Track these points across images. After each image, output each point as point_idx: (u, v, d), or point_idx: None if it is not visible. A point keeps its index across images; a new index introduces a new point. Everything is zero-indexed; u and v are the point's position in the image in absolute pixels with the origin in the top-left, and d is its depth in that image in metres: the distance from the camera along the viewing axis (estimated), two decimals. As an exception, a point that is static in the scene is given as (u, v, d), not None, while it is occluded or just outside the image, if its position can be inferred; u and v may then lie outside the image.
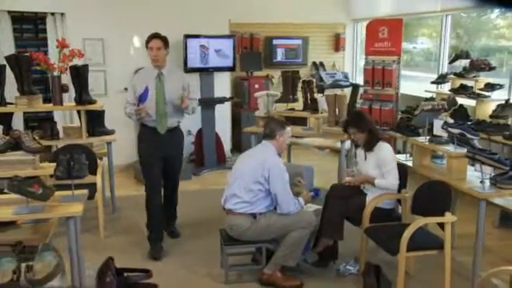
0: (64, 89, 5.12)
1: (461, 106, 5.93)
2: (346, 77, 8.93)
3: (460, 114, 5.73)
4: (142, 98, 4.22)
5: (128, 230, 4.94)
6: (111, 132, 5.34)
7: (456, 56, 6.40)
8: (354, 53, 9.30)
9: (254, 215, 3.72)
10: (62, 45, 4.87)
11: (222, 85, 7.52)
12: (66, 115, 6.68)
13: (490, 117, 5.65)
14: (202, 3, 7.15)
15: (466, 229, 4.40)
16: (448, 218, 3.39)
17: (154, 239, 4.39)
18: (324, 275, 3.99)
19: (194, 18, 7.03)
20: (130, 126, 6.91)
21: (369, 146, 4.04)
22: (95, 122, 5.21)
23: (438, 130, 3.90)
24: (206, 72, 7.00)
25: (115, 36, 6.77)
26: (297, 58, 8.79)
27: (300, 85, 5.64)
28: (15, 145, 3.06)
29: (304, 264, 4.05)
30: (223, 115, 7.61)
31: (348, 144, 5.47)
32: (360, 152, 4.22)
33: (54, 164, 3.25)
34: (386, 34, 6.79)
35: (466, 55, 6.34)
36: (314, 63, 9.04)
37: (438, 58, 7.11)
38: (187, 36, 6.73)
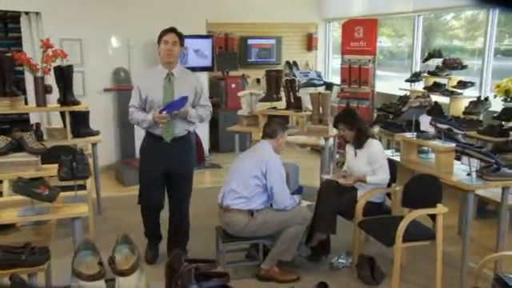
0: (48, 90, 5.04)
1: (436, 103, 6.16)
2: (319, 76, 9.14)
3: (436, 110, 5.96)
4: (172, 107, 3.63)
5: (117, 231, 4.82)
6: (96, 133, 5.30)
7: (429, 55, 6.65)
8: (326, 52, 9.49)
9: (251, 212, 3.80)
10: (47, 45, 4.80)
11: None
12: (43, 116, 6.56)
13: (464, 113, 5.91)
14: (179, 3, 7.16)
15: (447, 220, 4.59)
16: (440, 209, 3.56)
17: (150, 244, 4.31)
18: (318, 269, 4.10)
19: (171, 18, 6.92)
20: (109, 126, 6.87)
21: (359, 144, 4.18)
22: (80, 123, 5.15)
23: (424, 125, 4.07)
24: (185, 72, 7.01)
25: (93, 36, 6.69)
26: (271, 58, 8.90)
27: (283, 84, 5.73)
28: (17, 146, 3.03)
29: (298, 258, 4.14)
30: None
31: (331, 141, 5.61)
32: (349, 149, 4.35)
33: (55, 165, 3.24)
34: (362, 34, 6.98)
35: (439, 54, 6.59)
36: (288, 62, 9.17)
37: (410, 57, 7.34)
38: (166, 36, 6.71)
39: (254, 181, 3.78)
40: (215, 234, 4.10)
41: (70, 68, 5.03)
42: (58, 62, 5.13)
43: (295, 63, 9.22)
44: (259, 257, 3.95)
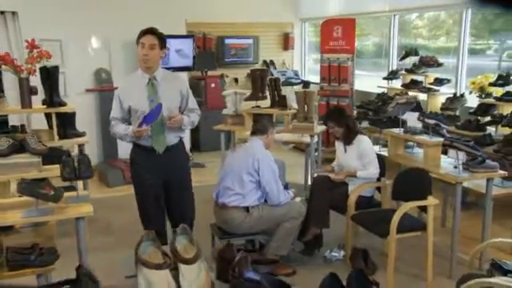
0: (33, 91, 4.98)
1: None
2: (296, 74, 9.29)
3: (415, 107, 6.15)
4: (150, 118, 3.34)
5: (107, 232, 4.93)
6: (82, 134, 5.25)
7: (406, 53, 6.85)
8: (302, 51, 9.63)
9: (247, 208, 3.87)
10: (33, 46, 4.74)
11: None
12: (23, 118, 6.46)
13: (441, 109, 6.12)
14: (159, 3, 7.16)
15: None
16: (431, 201, 3.71)
17: None
18: (313, 262, 4.20)
19: (151, 18, 6.90)
20: (91, 127, 6.81)
21: (348, 140, 4.32)
22: (66, 125, 5.10)
23: (411, 121, 4.23)
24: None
25: (74, 37, 6.62)
26: (248, 57, 8.98)
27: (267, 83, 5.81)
28: (20, 147, 3.01)
29: (293, 253, 4.23)
30: (182, 115, 7.64)
31: (316, 139, 5.73)
32: (339, 146, 4.47)
33: (56, 166, 3.25)
34: (340, 33, 7.13)
35: (415, 52, 6.80)
36: (265, 62, 9.27)
37: (387, 56, 7.54)
38: (148, 36, 6.71)
39: (247, 177, 3.86)
40: (210, 231, 4.15)
41: (56, 69, 4.98)
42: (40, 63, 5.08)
43: (272, 62, 9.33)
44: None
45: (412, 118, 4.22)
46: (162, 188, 3.58)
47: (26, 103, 4.89)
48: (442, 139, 3.96)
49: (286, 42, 9.36)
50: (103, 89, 6.75)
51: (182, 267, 1.43)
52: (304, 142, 5.94)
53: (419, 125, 4.18)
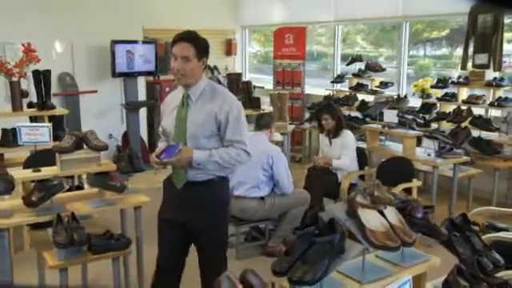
0: (24, 94, 5.02)
1: (363, 100, 7.15)
2: (240, 79, 9.77)
3: (363, 107, 6.93)
4: (168, 152, 2.61)
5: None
6: (71, 136, 5.36)
7: (352, 59, 7.62)
8: (243, 57, 10.14)
9: (262, 198, 4.32)
10: (29, 49, 4.81)
11: (139, 89, 7.74)
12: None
13: (388, 109, 6.94)
14: (117, 9, 7.30)
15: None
16: (415, 183, 4.41)
17: None
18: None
19: (110, 23, 7.14)
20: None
21: (336, 133, 4.91)
22: (57, 127, 5.19)
23: (388, 117, 4.91)
24: (131, 76, 7.20)
25: (37, 40, 6.56)
26: (194, 62, 9.30)
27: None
28: (80, 143, 3.21)
29: (292, 235, 4.72)
30: (140, 118, 7.83)
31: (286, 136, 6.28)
32: (324, 139, 5.06)
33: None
34: (292, 40, 7.76)
35: (360, 58, 7.60)
36: (209, 67, 9.64)
37: (333, 61, 8.27)
38: (115, 41, 6.87)
39: (261, 172, 4.30)
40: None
41: (48, 72, 5.08)
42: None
43: (216, 67, 9.71)
44: (265, 237, 4.48)
45: (389, 115, 4.90)
46: (180, 229, 2.79)
47: (17, 106, 4.94)
48: (419, 132, 4.69)
49: (229, 48, 9.81)
50: (69, 93, 6.79)
51: (388, 208, 1.88)
52: (274, 140, 6.45)
53: (395, 120, 4.87)
